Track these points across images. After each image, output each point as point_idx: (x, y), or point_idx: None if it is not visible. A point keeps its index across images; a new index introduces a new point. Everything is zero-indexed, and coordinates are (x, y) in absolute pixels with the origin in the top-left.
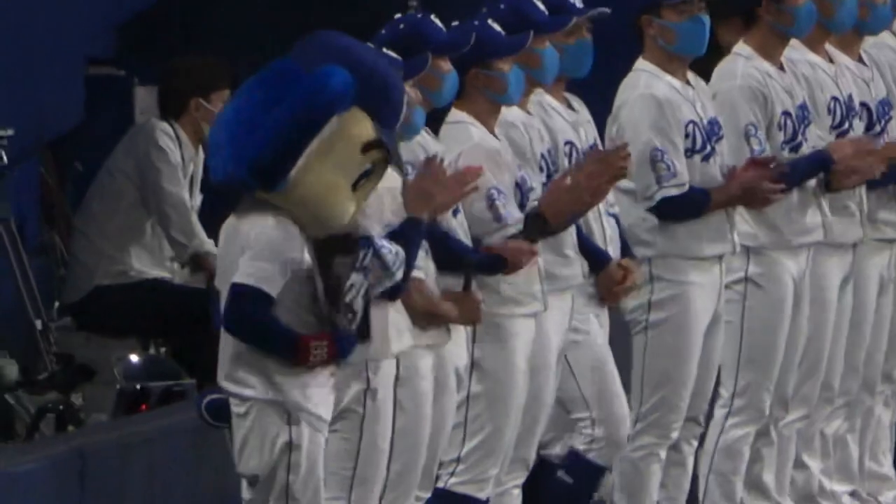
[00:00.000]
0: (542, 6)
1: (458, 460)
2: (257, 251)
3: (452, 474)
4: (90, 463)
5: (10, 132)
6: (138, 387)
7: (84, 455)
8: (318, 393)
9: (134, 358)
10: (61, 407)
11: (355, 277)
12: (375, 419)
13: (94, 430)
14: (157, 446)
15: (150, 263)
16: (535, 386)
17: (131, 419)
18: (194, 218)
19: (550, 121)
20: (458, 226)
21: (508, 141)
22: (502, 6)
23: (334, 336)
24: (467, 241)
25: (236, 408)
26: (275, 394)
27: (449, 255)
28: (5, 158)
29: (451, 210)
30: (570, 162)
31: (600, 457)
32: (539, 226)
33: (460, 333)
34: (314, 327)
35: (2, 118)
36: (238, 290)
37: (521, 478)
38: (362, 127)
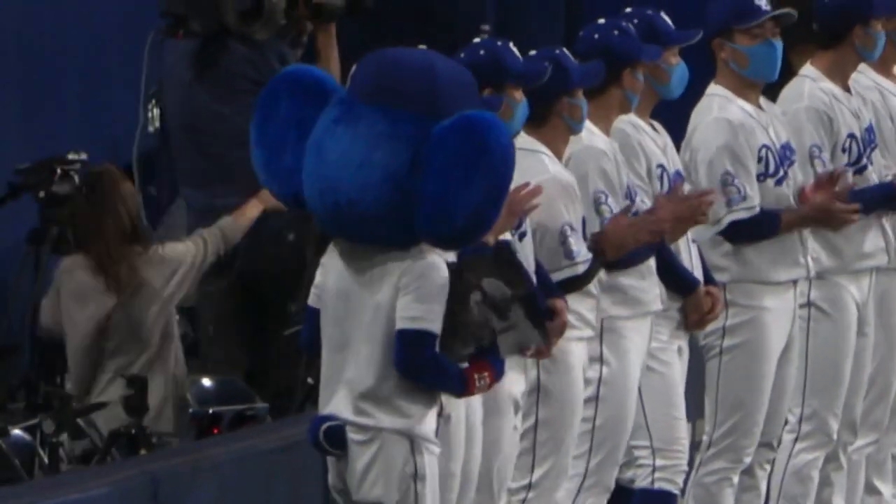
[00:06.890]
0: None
1: (528, 487)
2: (424, 292)
3: (524, 501)
4: (162, 487)
5: (83, 156)
6: (211, 411)
7: (156, 479)
8: (433, 419)
9: (207, 382)
10: (133, 430)
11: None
12: (447, 443)
13: (166, 454)
14: (228, 470)
15: None
16: (614, 408)
17: (203, 443)
18: None
19: (644, 141)
20: (520, 249)
21: (598, 171)
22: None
23: (491, 363)
24: (527, 265)
25: (356, 435)
26: (403, 424)
27: None
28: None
29: (518, 233)
30: (661, 186)
31: (667, 484)
32: (599, 263)
33: (517, 360)
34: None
35: (76, 143)
36: (412, 336)
37: (602, 503)
38: None
